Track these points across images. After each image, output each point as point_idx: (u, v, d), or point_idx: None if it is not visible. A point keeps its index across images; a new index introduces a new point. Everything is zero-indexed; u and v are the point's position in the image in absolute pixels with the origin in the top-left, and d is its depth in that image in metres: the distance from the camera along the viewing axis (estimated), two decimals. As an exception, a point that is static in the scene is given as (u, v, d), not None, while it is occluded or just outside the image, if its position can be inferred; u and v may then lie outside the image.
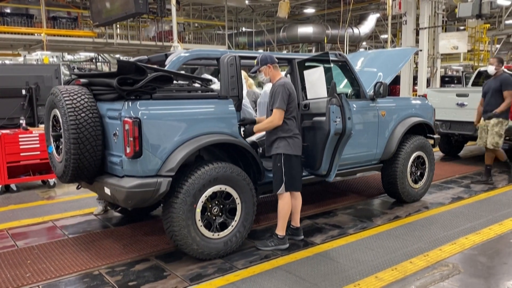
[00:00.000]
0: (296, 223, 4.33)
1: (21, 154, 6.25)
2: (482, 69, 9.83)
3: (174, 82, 3.98)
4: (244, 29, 26.44)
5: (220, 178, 3.80)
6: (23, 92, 6.78)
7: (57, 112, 3.88)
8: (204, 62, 4.92)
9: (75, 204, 5.76)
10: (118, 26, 17.71)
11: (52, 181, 6.66)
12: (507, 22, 21.67)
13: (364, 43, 28.45)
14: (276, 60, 4.12)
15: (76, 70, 4.83)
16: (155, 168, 3.59)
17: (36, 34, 15.73)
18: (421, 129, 5.78)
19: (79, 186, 4.61)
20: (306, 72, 4.55)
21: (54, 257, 4.00)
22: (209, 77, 4.58)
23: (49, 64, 13.53)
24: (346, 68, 5.12)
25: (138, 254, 4.04)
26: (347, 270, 3.63)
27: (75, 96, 3.73)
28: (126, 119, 3.49)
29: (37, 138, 6.34)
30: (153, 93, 3.65)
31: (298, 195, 4.23)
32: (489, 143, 6.46)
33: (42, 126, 6.76)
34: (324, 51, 7.00)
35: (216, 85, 4.41)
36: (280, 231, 4.12)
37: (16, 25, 15.54)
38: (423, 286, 3.34)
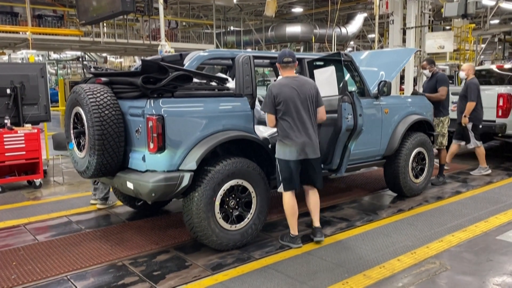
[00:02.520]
0: (314, 223, 4.24)
1: (6, 154, 6.15)
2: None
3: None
4: (232, 28, 26.38)
5: (237, 172, 3.98)
6: (8, 91, 6.67)
7: (79, 109, 4.02)
8: (216, 62, 5.20)
9: (63, 205, 5.69)
10: (105, 24, 17.53)
11: (38, 181, 6.56)
12: (492, 22, 21.97)
13: (351, 43, 28.59)
14: (285, 60, 4.04)
15: (92, 69, 4.87)
16: (177, 163, 3.76)
17: (21, 33, 15.49)
18: (421, 126, 5.96)
19: (96, 182, 4.69)
20: (316, 71, 4.68)
21: (77, 249, 4.16)
22: (224, 76, 4.67)
23: (35, 63, 13.37)
24: (352, 67, 5.30)
25: (157, 246, 4.20)
26: (335, 268, 3.64)
27: (98, 94, 3.88)
28: (150, 116, 3.63)
29: (23, 138, 6.25)
30: (175, 91, 3.81)
31: (312, 193, 4.20)
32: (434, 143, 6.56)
33: (27, 125, 6.66)
34: (336, 51, 7.15)
35: (231, 84, 4.51)
36: (291, 229, 4.13)
37: (1, 23, 15.28)
38: (411, 284, 3.37)
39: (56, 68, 34.91)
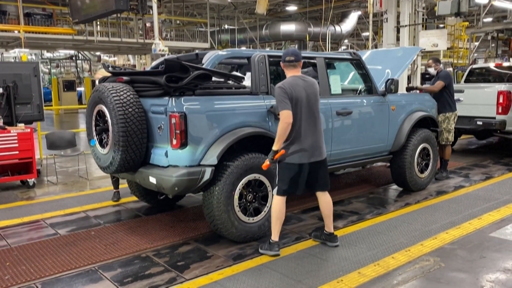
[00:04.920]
0: (328, 228, 4.11)
1: (-1, 154, 6.11)
2: (474, 66, 10.25)
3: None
4: (226, 26, 26.33)
5: (255, 167, 4.13)
6: (0, 90, 6.62)
7: (102, 107, 4.19)
8: (232, 61, 5.43)
9: (57, 204, 5.67)
10: (98, 23, 17.43)
11: (31, 181, 6.52)
12: (485, 20, 22.06)
13: (346, 41, 28.63)
14: (287, 59, 3.89)
15: (110, 69, 5.01)
16: (199, 158, 3.93)
17: (15, 31, 15.33)
18: (425, 122, 6.12)
19: (114, 178, 4.85)
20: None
21: (98, 241, 4.34)
22: (240, 74, 4.77)
23: (28, 62, 13.26)
24: (360, 66, 5.52)
25: (178, 238, 4.38)
26: (330, 266, 3.65)
27: (121, 93, 4.05)
28: (173, 113, 3.80)
29: (15, 138, 6.20)
30: (196, 89, 3.99)
31: (322, 198, 4.05)
32: (440, 139, 6.72)
33: (20, 125, 6.62)
34: (347, 50, 7.36)
35: (246, 82, 4.61)
36: (272, 235, 3.94)
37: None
38: (405, 281, 3.38)
39: (49, 67, 34.69)
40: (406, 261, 3.73)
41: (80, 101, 25.45)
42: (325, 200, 4.07)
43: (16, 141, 6.21)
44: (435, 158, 6.20)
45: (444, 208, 5.24)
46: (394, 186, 6.29)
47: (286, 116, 3.70)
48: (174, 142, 3.84)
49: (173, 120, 3.80)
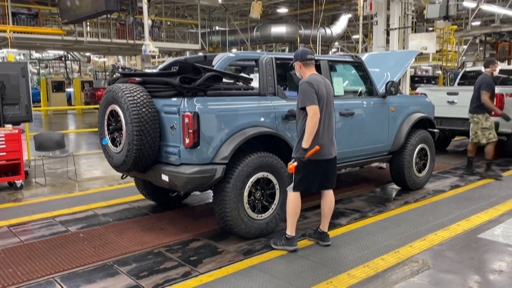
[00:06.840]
0: (323, 227, 4.19)
1: (-14, 155, 6.02)
2: (467, 69, 10.41)
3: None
4: (217, 28, 26.32)
5: (263, 166, 4.27)
6: (-12, 91, 6.54)
7: (115, 107, 4.29)
8: (241, 63, 5.58)
9: (45, 206, 5.60)
10: (88, 23, 17.30)
11: (19, 182, 6.44)
12: (473, 23, 22.33)
13: (336, 43, 28.77)
14: (309, 57, 3.97)
15: (120, 70, 5.13)
16: (210, 156, 4.04)
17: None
18: (423, 123, 6.26)
19: (124, 176, 4.95)
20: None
21: (110, 237, 4.43)
22: (248, 76, 4.84)
23: (16, 62, 13.08)
24: (361, 69, 5.69)
25: (188, 235, 4.48)
26: (320, 268, 3.66)
27: (135, 93, 4.15)
28: (186, 113, 3.92)
29: (3, 139, 6.12)
30: (207, 90, 4.10)
31: (327, 196, 4.12)
32: (492, 137, 6.96)
33: (8, 126, 6.54)
34: (349, 53, 7.52)
35: (254, 83, 4.71)
36: (288, 230, 4.03)
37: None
38: (394, 282, 3.40)
39: (38, 67, 34.37)
40: (395, 263, 3.75)
41: (69, 102, 25.25)
42: (329, 198, 4.13)
43: (3, 142, 6.13)
44: (432, 158, 6.36)
45: (435, 209, 5.27)
46: (392, 185, 6.42)
47: (315, 112, 3.76)
48: (187, 141, 3.94)
49: (186, 120, 3.91)
